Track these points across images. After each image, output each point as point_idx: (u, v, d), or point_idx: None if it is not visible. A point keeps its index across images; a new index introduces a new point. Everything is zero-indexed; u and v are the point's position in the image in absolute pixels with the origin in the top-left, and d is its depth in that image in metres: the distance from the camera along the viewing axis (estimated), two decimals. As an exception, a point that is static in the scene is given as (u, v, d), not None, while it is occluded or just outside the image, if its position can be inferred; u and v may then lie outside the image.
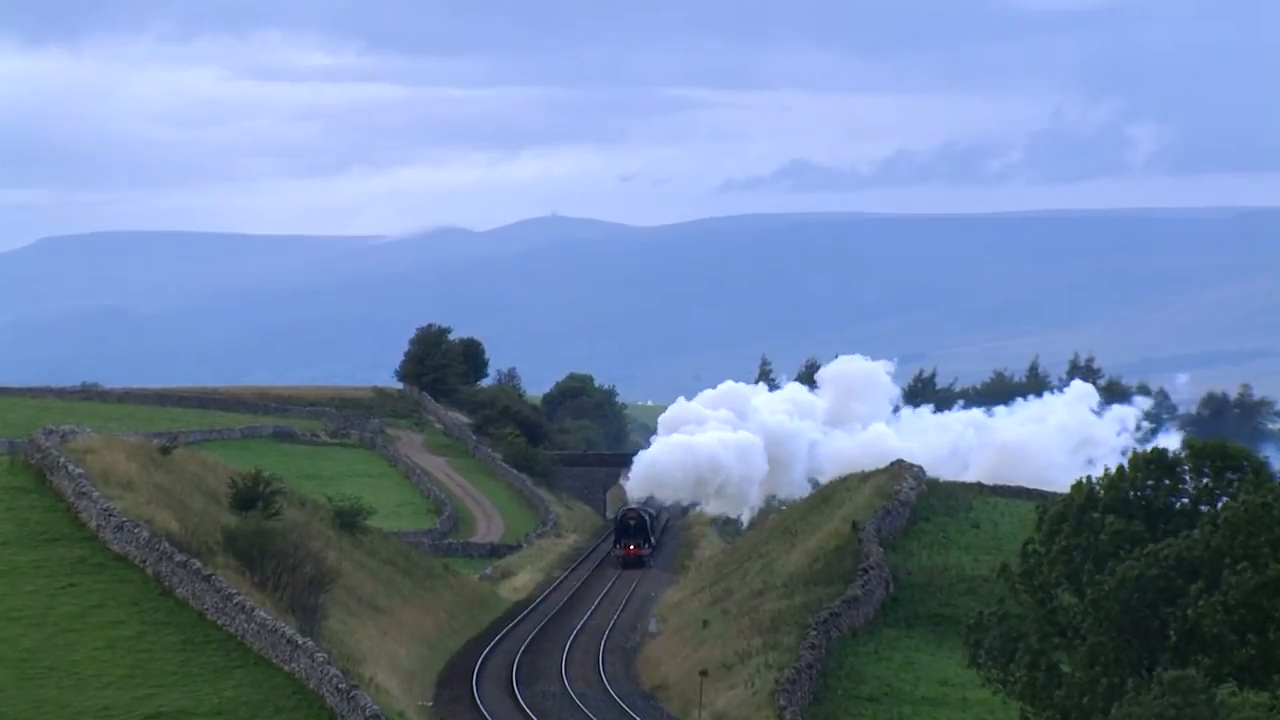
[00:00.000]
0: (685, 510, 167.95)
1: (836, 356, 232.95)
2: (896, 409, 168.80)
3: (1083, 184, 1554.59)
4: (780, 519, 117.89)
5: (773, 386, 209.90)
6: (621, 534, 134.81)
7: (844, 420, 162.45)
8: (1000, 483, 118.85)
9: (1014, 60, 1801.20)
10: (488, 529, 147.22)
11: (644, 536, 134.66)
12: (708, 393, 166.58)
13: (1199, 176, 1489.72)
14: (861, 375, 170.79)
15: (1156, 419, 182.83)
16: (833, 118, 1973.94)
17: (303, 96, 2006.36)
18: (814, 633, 73.87)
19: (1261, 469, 59.17)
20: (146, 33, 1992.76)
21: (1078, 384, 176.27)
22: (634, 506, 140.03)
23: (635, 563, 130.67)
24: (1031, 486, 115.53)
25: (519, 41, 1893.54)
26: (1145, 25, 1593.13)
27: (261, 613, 63.17)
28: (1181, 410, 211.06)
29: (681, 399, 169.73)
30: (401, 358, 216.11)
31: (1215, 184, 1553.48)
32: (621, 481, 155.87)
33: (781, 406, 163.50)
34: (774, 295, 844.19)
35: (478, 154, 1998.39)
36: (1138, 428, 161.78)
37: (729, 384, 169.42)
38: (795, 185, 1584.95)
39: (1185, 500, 58.55)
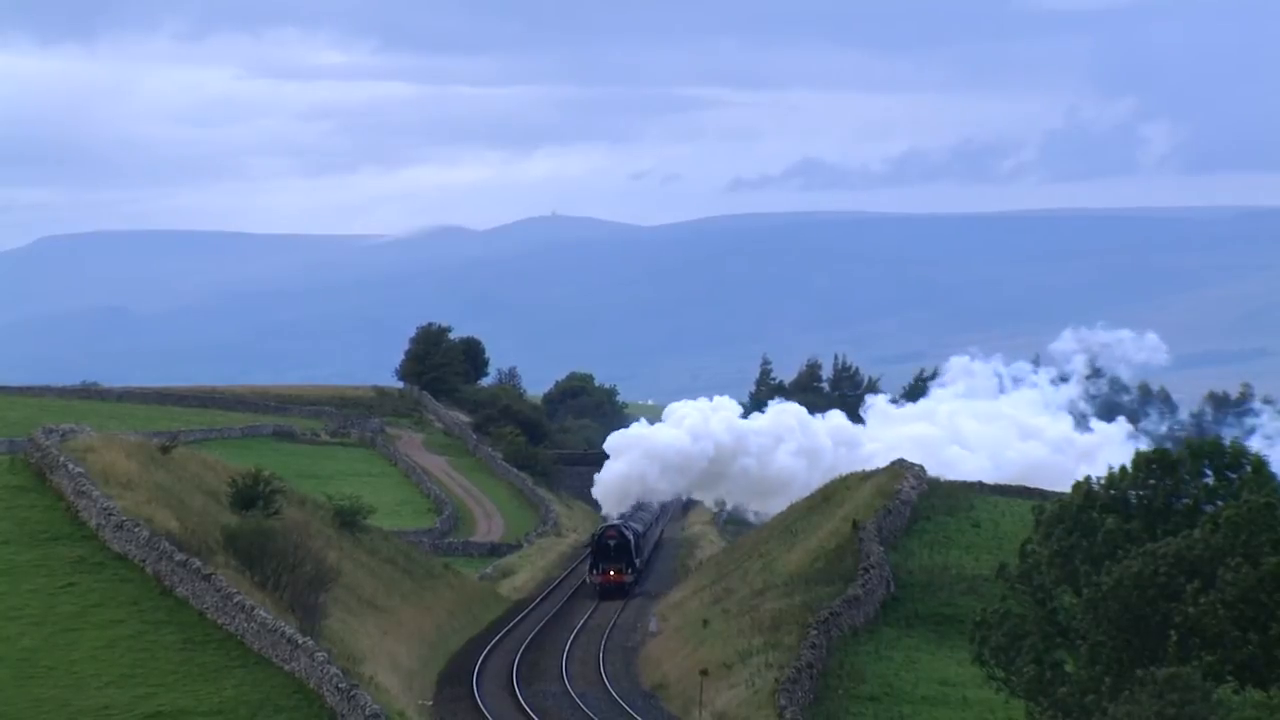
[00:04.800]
0: (686, 508, 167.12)
1: (836, 356, 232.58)
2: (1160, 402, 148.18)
3: (1089, 183, 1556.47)
4: (780, 518, 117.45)
5: (779, 390, 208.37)
6: (599, 557, 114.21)
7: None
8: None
9: (1029, 59, 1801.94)
10: (488, 528, 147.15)
11: (626, 560, 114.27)
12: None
13: (1209, 176, 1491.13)
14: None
15: None
16: (845, 116, 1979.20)
17: (316, 95, 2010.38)
18: (814, 632, 73.78)
19: (1261, 468, 59.07)
20: (161, 31, 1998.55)
21: None
22: (614, 523, 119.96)
23: (615, 591, 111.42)
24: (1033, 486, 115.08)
25: (533, 41, 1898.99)
26: (1160, 25, 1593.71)
27: (261, 612, 63.12)
28: (1181, 409, 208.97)
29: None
30: (401, 357, 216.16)
31: (1226, 183, 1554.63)
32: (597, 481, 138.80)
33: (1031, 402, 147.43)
34: (775, 295, 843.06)
35: (491, 153, 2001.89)
36: None
37: (960, 361, 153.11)
38: (806, 184, 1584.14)
39: (1185, 500, 58.37)
